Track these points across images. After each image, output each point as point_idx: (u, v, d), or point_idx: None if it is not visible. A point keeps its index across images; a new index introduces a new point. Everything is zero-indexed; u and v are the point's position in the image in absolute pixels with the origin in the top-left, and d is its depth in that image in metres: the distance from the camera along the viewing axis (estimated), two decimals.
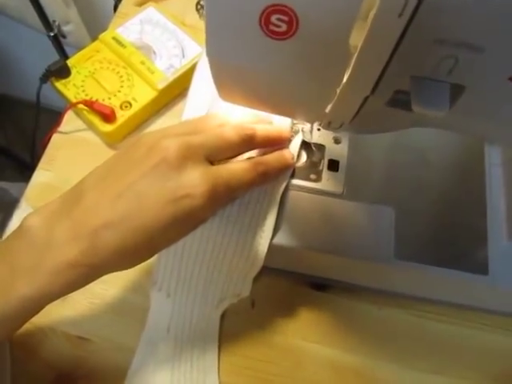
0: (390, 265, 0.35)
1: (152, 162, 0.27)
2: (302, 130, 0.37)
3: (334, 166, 0.38)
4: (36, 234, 0.27)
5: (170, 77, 0.48)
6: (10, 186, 0.54)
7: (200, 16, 0.56)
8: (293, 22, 0.18)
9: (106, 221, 0.26)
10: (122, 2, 0.57)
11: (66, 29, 0.75)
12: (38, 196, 0.46)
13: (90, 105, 0.45)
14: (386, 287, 0.40)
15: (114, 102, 0.47)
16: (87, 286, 0.29)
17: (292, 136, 0.37)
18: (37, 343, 0.40)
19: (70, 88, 0.47)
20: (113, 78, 0.48)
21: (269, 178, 0.33)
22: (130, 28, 0.51)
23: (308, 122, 0.34)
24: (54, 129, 0.48)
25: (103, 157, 0.47)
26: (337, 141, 0.39)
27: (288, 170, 0.36)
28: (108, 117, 0.45)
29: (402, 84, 0.21)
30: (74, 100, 0.46)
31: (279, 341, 0.40)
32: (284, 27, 0.19)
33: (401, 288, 0.39)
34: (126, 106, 0.47)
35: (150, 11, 0.52)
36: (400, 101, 0.22)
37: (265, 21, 0.19)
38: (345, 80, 0.21)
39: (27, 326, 0.30)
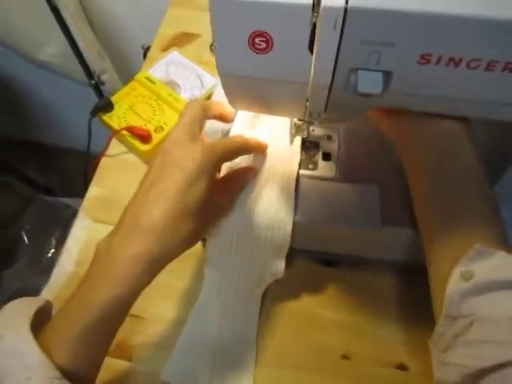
0: (377, 230, 0.43)
1: (160, 161, 0.36)
2: (301, 131, 0.47)
3: (327, 157, 0.47)
4: (101, 250, 0.34)
5: None
6: (70, 202, 0.65)
7: (213, 55, 0.68)
8: (269, 41, 0.28)
9: (144, 214, 0.34)
10: (151, 50, 0.70)
11: (103, 77, 0.89)
12: (92, 207, 0.57)
13: (131, 129, 0.56)
14: (378, 254, 0.47)
15: (150, 127, 0.58)
16: None
17: (292, 139, 0.47)
18: None
19: (114, 119, 0.59)
20: (147, 108, 0.60)
21: (248, 146, 0.42)
22: (158, 69, 0.63)
23: (299, 117, 0.44)
24: (103, 153, 0.60)
25: (143, 173, 0.59)
26: (329, 137, 0.48)
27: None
28: (145, 138, 0.56)
29: (349, 75, 0.30)
30: (117, 128, 0.58)
31: (295, 307, 0.48)
32: (264, 45, 0.29)
33: (391, 254, 0.47)
34: (159, 130, 0.58)
35: (174, 54, 0.64)
36: (352, 88, 0.31)
37: (252, 42, 0.29)
38: (311, 78, 0.31)
39: None
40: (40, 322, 0.32)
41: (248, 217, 0.43)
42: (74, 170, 0.63)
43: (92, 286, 0.32)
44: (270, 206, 0.43)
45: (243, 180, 0.43)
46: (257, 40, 0.29)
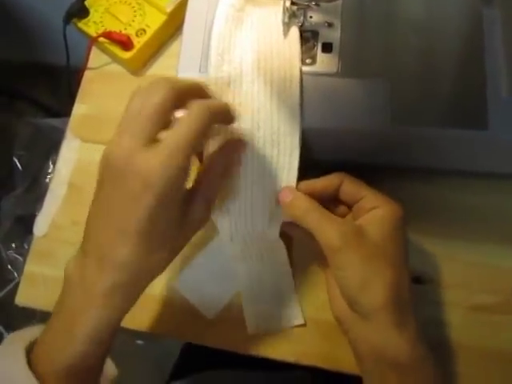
0: (388, 131, 0.37)
1: (108, 177, 0.29)
2: (296, 17, 0.39)
3: (327, 48, 0.39)
4: (73, 277, 0.31)
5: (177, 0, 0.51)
6: (57, 122, 0.61)
7: None
8: None
9: (110, 244, 0.29)
10: None
11: None
12: (79, 125, 0.53)
13: (108, 35, 0.50)
14: (390, 159, 0.41)
15: (130, 31, 0.51)
16: None
17: (286, 27, 0.39)
18: None
19: (91, 25, 0.52)
20: (126, 9, 0.52)
21: (212, 115, 0.30)
22: None
23: None
24: (84, 66, 0.54)
25: (129, 84, 0.53)
26: (330, 24, 0.40)
27: None
28: (126, 44, 0.50)
29: None
30: (95, 35, 0.51)
31: None
32: None
33: (404, 158, 0.41)
34: (141, 33, 0.51)
35: None
36: None
37: None
38: None
39: None
40: None
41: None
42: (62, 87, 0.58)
43: (73, 317, 0.30)
44: (271, 121, 0.37)
45: (218, 176, 0.34)
46: None
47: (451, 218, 0.43)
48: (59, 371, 0.30)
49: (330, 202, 0.37)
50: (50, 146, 0.59)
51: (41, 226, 0.49)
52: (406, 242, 0.35)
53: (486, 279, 0.41)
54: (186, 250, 0.35)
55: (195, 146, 0.29)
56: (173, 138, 0.28)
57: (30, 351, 0.31)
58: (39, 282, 0.48)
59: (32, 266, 0.49)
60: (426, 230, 0.42)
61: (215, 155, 0.35)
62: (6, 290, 0.68)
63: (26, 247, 0.53)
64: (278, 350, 0.41)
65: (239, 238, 0.38)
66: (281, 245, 0.40)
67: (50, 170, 0.59)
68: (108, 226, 0.29)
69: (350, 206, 0.37)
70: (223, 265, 0.42)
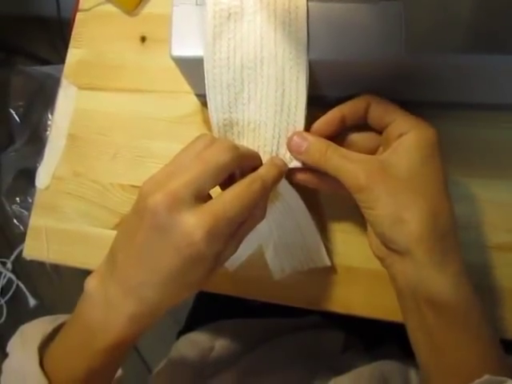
0: (402, 59, 0.34)
1: (148, 224, 0.28)
2: None
3: None
4: (96, 294, 0.31)
5: None
6: (53, 70, 0.58)
7: None
8: None
9: (138, 281, 0.29)
10: None
11: None
12: (75, 72, 0.50)
13: None
14: (403, 93, 0.38)
15: None
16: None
17: None
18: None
19: None
20: None
21: (267, 190, 0.31)
22: None
23: None
24: (76, 8, 0.51)
25: (124, 25, 0.50)
26: None
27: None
28: None
29: None
30: None
31: None
32: None
33: (419, 92, 0.37)
34: None
35: None
36: None
37: None
38: None
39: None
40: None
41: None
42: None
43: (91, 332, 0.31)
44: (275, 57, 0.34)
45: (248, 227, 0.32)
46: None
47: (471, 155, 0.40)
48: (73, 377, 0.31)
49: (360, 129, 0.35)
50: (48, 96, 0.57)
51: (43, 178, 0.48)
52: (441, 169, 0.31)
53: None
54: None
55: (243, 217, 0.30)
56: (225, 205, 0.28)
57: (42, 349, 0.32)
58: (44, 234, 0.47)
59: (37, 219, 0.48)
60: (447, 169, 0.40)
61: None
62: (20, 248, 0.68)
63: (30, 200, 0.52)
64: (301, 297, 0.41)
65: None
66: (293, 192, 0.38)
67: (49, 122, 0.57)
68: (140, 262, 0.29)
69: (380, 132, 0.34)
70: None
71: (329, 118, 0.34)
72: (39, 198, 0.48)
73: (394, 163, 0.31)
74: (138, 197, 0.29)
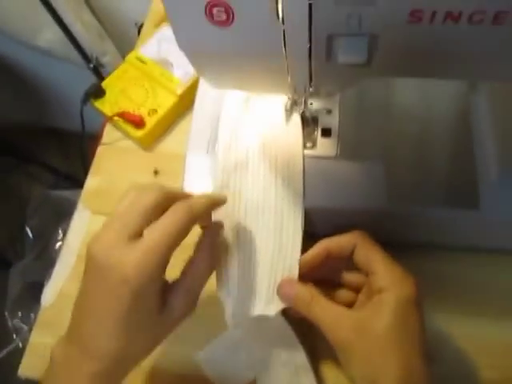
0: (386, 209, 0.39)
1: (90, 274, 0.31)
2: (297, 105, 0.42)
3: (326, 133, 0.43)
4: (58, 361, 0.32)
5: (187, 82, 0.55)
6: (70, 194, 0.63)
7: None
8: (229, 12, 0.24)
9: (88, 332, 0.30)
10: (144, 27, 0.66)
11: (104, 60, 0.86)
12: (90, 198, 0.55)
13: (122, 116, 0.54)
14: (387, 236, 0.43)
15: (143, 111, 0.55)
16: None
17: (288, 114, 0.42)
18: None
19: (106, 105, 0.56)
20: (139, 91, 0.56)
21: (193, 216, 0.32)
22: (149, 47, 0.59)
23: (284, 93, 0.39)
24: (98, 142, 0.58)
25: (140, 159, 0.57)
26: (328, 111, 0.44)
27: None
28: (138, 124, 0.53)
29: (329, 43, 0.26)
30: (110, 114, 0.55)
31: None
32: (224, 17, 0.25)
33: (401, 235, 0.43)
34: (153, 113, 0.55)
35: (165, 30, 0.60)
36: (334, 57, 0.27)
37: (209, 13, 0.25)
38: (285, 50, 0.26)
39: None
40: None
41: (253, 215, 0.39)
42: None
43: None
44: (275, 203, 0.39)
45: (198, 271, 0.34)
46: (215, 11, 0.24)
47: (447, 291, 0.44)
48: None
49: (347, 262, 0.37)
50: (61, 216, 0.61)
51: (49, 296, 0.50)
52: (419, 329, 0.32)
53: (485, 353, 0.41)
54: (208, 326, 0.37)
55: (173, 245, 0.30)
56: (151, 236, 0.29)
57: None
58: (43, 353, 0.48)
59: (37, 337, 0.49)
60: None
61: (199, 247, 0.34)
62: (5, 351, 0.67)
63: (33, 316, 0.54)
64: None
65: (240, 319, 0.38)
66: (285, 325, 0.40)
67: (59, 238, 0.61)
68: (88, 317, 0.30)
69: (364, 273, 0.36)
70: (242, 343, 0.41)
71: (315, 253, 0.37)
72: (43, 316, 0.50)
73: (372, 322, 0.32)
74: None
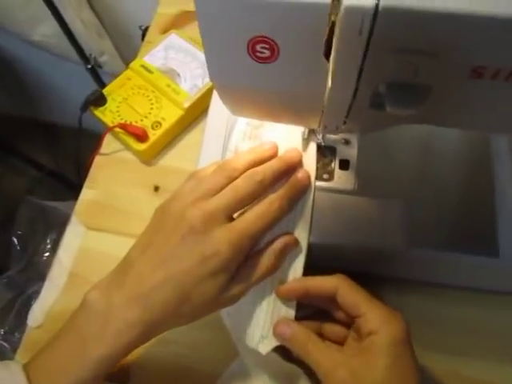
0: (403, 252, 0.38)
1: (182, 232, 0.32)
2: (314, 134, 0.40)
3: (344, 165, 0.41)
4: (97, 304, 0.32)
5: (194, 96, 0.53)
6: (62, 206, 0.60)
7: None
8: (274, 49, 0.22)
9: (153, 284, 0.32)
10: (148, 32, 0.63)
11: (101, 59, 0.82)
12: (86, 211, 0.52)
13: (125, 127, 0.51)
14: (401, 274, 0.42)
15: (146, 123, 0.52)
16: None
17: (305, 142, 0.40)
18: None
19: (107, 114, 0.53)
20: (143, 101, 0.53)
21: (289, 205, 0.36)
22: (155, 55, 0.56)
23: (309, 127, 0.37)
24: (96, 151, 0.54)
25: (140, 173, 0.54)
26: (347, 142, 0.42)
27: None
28: (141, 137, 0.50)
29: (376, 89, 0.24)
30: (111, 124, 0.52)
31: None
32: (268, 53, 0.22)
33: (415, 275, 0.41)
34: (157, 126, 0.52)
35: (173, 37, 0.57)
36: (379, 103, 0.25)
37: (252, 49, 0.22)
38: (326, 93, 0.24)
39: None
40: None
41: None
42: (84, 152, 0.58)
43: (85, 342, 0.32)
44: (280, 230, 0.37)
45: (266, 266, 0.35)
46: (258, 47, 0.22)
47: (444, 331, 0.42)
48: None
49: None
50: (49, 226, 0.58)
51: (36, 316, 0.47)
52: (412, 367, 0.32)
53: None
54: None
55: (260, 233, 0.34)
56: (246, 225, 0.33)
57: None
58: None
59: (22, 360, 0.46)
60: (419, 342, 0.42)
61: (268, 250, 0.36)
62: None
63: (17, 336, 0.51)
64: None
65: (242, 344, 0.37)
66: (280, 360, 0.38)
67: (47, 248, 0.58)
68: (160, 266, 0.32)
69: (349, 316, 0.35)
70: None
71: (291, 287, 0.36)
72: (29, 337, 0.47)
73: (367, 370, 0.31)
74: (171, 209, 0.34)
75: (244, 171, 0.34)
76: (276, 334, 0.36)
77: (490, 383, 0.41)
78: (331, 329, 0.37)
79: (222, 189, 0.34)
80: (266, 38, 0.22)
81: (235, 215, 0.35)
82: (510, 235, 0.37)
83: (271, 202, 0.34)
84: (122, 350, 0.32)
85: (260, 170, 0.35)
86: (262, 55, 0.23)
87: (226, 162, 0.36)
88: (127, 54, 0.86)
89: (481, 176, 0.40)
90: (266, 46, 0.22)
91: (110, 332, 0.31)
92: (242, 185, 0.34)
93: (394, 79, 0.23)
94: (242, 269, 0.34)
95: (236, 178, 0.34)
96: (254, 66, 0.23)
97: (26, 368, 0.33)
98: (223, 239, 0.32)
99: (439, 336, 0.42)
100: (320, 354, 0.33)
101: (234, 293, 0.34)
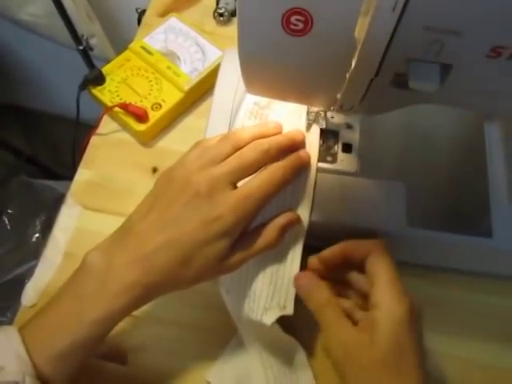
0: (403, 232, 0.39)
1: (187, 197, 0.32)
2: (318, 118, 0.42)
3: (347, 148, 0.42)
4: (97, 265, 0.32)
5: (195, 79, 0.53)
6: (56, 184, 0.59)
7: (217, 23, 0.61)
8: (308, 21, 0.23)
9: (155, 246, 0.32)
10: (146, 14, 0.62)
11: (91, 42, 0.81)
12: (81, 192, 0.52)
13: (125, 107, 0.50)
14: (400, 257, 0.43)
15: (146, 104, 0.52)
16: None
17: (309, 126, 0.41)
18: None
19: (106, 94, 0.53)
20: (143, 82, 0.53)
21: (288, 179, 0.35)
22: (155, 37, 0.56)
23: (324, 107, 0.38)
24: (93, 131, 0.54)
25: (137, 155, 0.53)
26: (349, 126, 0.43)
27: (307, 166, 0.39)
28: (141, 117, 0.50)
29: (400, 66, 0.25)
30: (109, 104, 0.52)
31: None
32: (301, 26, 0.23)
33: (414, 257, 0.43)
34: (157, 107, 0.52)
35: (173, 21, 0.57)
36: (400, 81, 0.26)
37: (286, 21, 0.23)
38: (352, 67, 0.25)
39: None
40: None
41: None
42: (63, 140, 0.57)
43: (82, 303, 0.32)
44: (283, 207, 0.38)
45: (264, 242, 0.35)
46: (293, 19, 0.23)
47: (448, 314, 0.45)
48: (55, 352, 0.31)
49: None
50: (41, 205, 0.57)
51: (31, 295, 0.47)
52: (410, 347, 0.32)
53: (483, 379, 0.42)
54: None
55: (264, 201, 0.34)
56: (249, 190, 0.33)
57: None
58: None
59: None
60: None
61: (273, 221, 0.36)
62: None
63: (9, 315, 0.50)
64: None
65: (238, 315, 0.39)
66: (280, 332, 0.40)
67: (37, 229, 0.57)
68: (163, 229, 0.32)
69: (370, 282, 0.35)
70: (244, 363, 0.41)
71: (334, 252, 0.37)
72: (22, 316, 0.46)
73: (371, 337, 0.32)
74: (176, 174, 0.34)
75: (249, 142, 0.35)
76: (296, 285, 0.37)
77: (491, 367, 0.42)
78: (348, 295, 0.37)
79: (227, 157, 0.34)
80: (302, 9, 0.22)
81: (239, 184, 0.35)
82: (501, 217, 0.40)
83: (275, 170, 0.35)
84: (119, 312, 0.32)
85: (265, 141, 0.35)
86: (296, 27, 0.23)
87: (232, 133, 0.36)
88: (120, 37, 0.85)
89: (475, 160, 0.42)
90: (301, 19, 0.23)
91: (108, 293, 0.31)
92: (247, 153, 0.34)
93: (419, 56, 0.24)
94: (243, 238, 0.34)
95: (241, 147, 0.34)
96: (286, 39, 0.24)
97: (21, 330, 0.32)
98: (227, 204, 0.32)
99: (437, 317, 0.43)
100: (334, 319, 0.34)
101: (234, 260, 0.34)
